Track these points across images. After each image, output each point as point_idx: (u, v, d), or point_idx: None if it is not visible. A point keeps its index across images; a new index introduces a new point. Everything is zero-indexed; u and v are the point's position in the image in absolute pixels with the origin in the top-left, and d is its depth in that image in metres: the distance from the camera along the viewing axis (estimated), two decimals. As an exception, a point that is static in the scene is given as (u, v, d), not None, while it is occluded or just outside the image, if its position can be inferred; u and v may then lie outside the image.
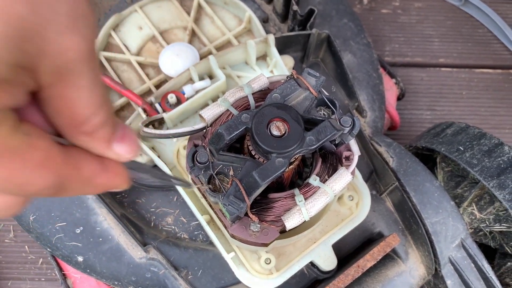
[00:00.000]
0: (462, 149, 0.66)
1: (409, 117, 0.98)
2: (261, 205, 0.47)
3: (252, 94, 0.49)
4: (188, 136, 0.51)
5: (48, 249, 0.63)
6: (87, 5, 0.23)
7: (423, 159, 0.74)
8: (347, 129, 0.46)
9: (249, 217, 0.45)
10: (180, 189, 0.60)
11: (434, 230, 0.63)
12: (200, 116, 0.48)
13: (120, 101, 0.68)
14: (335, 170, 0.49)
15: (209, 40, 0.73)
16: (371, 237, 0.67)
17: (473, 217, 0.66)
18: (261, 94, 0.50)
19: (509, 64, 1.02)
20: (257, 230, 0.46)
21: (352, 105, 0.72)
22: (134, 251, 0.61)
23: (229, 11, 0.75)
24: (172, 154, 0.64)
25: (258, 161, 0.45)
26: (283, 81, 0.50)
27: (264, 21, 0.76)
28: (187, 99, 0.64)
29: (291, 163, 0.47)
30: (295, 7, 0.69)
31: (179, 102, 0.64)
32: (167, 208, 0.65)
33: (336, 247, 0.60)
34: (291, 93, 0.46)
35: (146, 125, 0.61)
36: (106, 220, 0.62)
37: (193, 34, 0.73)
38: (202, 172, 0.45)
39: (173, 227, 0.64)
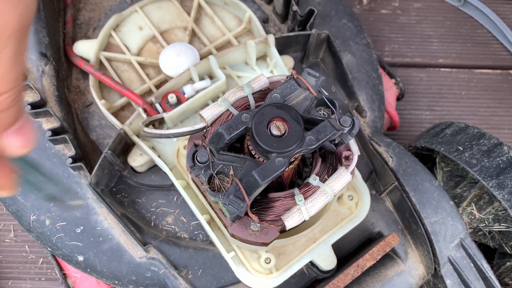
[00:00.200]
0: (461, 149, 0.67)
1: (409, 117, 0.98)
2: (261, 205, 0.47)
3: (252, 94, 0.50)
4: (188, 136, 0.51)
5: (49, 249, 0.63)
6: None
7: (423, 159, 0.74)
8: (346, 129, 0.46)
9: (249, 216, 0.45)
10: (180, 189, 0.60)
11: (434, 230, 0.63)
12: (201, 116, 0.49)
13: (120, 101, 0.68)
14: (334, 169, 0.49)
15: (209, 40, 0.73)
16: (371, 237, 0.67)
17: (472, 217, 0.66)
18: (261, 94, 0.50)
19: (508, 65, 1.02)
20: (257, 230, 0.46)
21: (351, 105, 0.72)
22: (134, 251, 0.61)
23: (229, 11, 0.75)
24: (172, 154, 0.64)
25: (258, 160, 0.46)
26: (283, 81, 0.50)
27: (264, 21, 0.76)
28: (187, 99, 0.64)
29: (291, 163, 0.47)
30: (295, 8, 0.70)
31: (179, 102, 0.64)
32: (167, 208, 0.65)
33: (336, 247, 0.60)
34: (291, 93, 0.47)
35: (147, 125, 0.61)
36: (106, 219, 0.62)
37: (193, 34, 0.74)
38: (202, 171, 0.45)
39: (173, 226, 0.64)
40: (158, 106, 0.64)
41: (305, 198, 0.46)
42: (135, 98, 0.65)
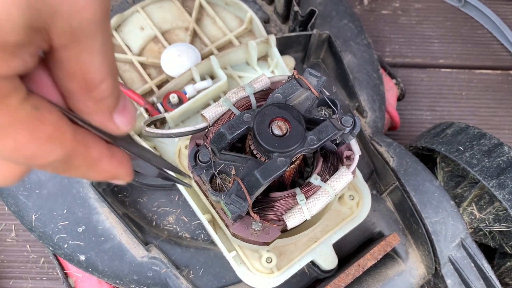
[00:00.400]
0: (462, 149, 0.67)
1: (409, 118, 0.98)
2: (262, 204, 0.47)
3: (254, 94, 0.50)
4: (189, 136, 0.51)
5: (50, 248, 0.63)
6: None
7: (423, 159, 0.74)
8: (348, 129, 0.46)
9: (250, 216, 0.45)
10: (181, 188, 0.60)
11: (434, 230, 0.63)
12: (202, 115, 0.49)
13: (122, 101, 0.68)
14: (336, 169, 0.49)
15: (211, 40, 0.73)
16: (372, 237, 0.67)
17: (472, 217, 0.66)
18: (263, 94, 0.50)
19: (509, 65, 1.02)
20: (259, 229, 0.46)
21: (352, 105, 0.73)
22: (136, 250, 0.61)
23: (231, 11, 0.76)
24: (173, 153, 0.64)
25: (259, 160, 0.46)
26: (284, 81, 0.50)
27: (265, 21, 0.76)
28: (189, 99, 0.65)
29: (292, 163, 0.47)
30: (296, 8, 0.70)
31: (180, 102, 0.65)
32: (168, 208, 0.65)
33: (337, 247, 0.60)
34: (293, 93, 0.47)
35: (148, 125, 0.61)
36: (108, 219, 0.62)
37: (194, 34, 0.74)
38: (204, 171, 0.46)
39: (175, 226, 0.64)
40: (159, 106, 0.65)
41: (306, 198, 0.46)
42: (137, 98, 0.65)
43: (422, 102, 0.99)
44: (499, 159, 0.64)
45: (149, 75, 0.71)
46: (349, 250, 0.66)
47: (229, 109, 0.49)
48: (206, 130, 0.49)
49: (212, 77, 0.69)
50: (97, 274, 0.62)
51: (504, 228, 0.64)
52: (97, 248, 0.62)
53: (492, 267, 0.63)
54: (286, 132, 0.44)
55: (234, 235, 0.53)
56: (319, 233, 0.60)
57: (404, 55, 1.03)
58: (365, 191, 0.61)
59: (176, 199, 0.65)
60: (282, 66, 0.68)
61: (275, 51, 0.68)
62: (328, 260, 0.60)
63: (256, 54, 0.68)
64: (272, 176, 0.43)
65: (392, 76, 0.87)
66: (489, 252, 0.68)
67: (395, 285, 0.64)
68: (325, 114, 0.48)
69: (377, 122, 0.73)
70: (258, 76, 0.51)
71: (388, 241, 0.60)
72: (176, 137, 0.55)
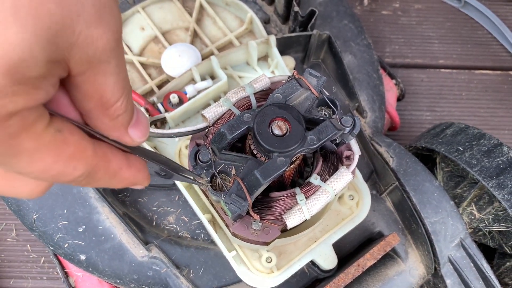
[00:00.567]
0: (461, 149, 0.67)
1: (409, 118, 0.98)
2: (262, 204, 0.47)
3: (254, 94, 0.50)
4: (190, 136, 0.51)
5: (51, 248, 0.63)
6: None
7: (423, 159, 0.74)
8: (348, 129, 0.46)
9: (250, 215, 0.45)
10: (182, 188, 0.61)
11: (434, 230, 0.64)
12: (203, 115, 0.49)
13: (122, 101, 0.68)
14: (336, 169, 0.49)
15: (211, 40, 0.73)
16: (371, 237, 0.67)
17: (472, 217, 0.66)
18: (263, 94, 0.51)
19: (508, 66, 1.03)
20: (259, 229, 0.46)
21: (352, 105, 0.73)
22: (136, 250, 0.62)
23: (231, 12, 0.76)
24: (174, 153, 0.64)
25: (259, 160, 0.46)
26: (284, 81, 0.50)
27: (266, 22, 0.77)
28: (189, 99, 0.65)
29: (292, 162, 0.47)
30: (296, 8, 0.70)
31: (181, 102, 0.65)
32: (169, 207, 0.65)
33: (337, 246, 0.60)
34: (293, 93, 0.47)
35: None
36: (108, 218, 0.63)
37: (195, 34, 0.74)
38: (204, 171, 0.46)
39: (175, 226, 0.64)
40: (160, 106, 0.65)
41: (306, 198, 0.47)
42: (137, 98, 0.65)
43: (422, 103, 0.99)
44: (498, 159, 0.64)
45: (149, 75, 0.71)
46: (348, 250, 0.66)
47: (229, 109, 0.49)
48: (207, 130, 0.49)
49: (213, 77, 0.69)
50: (97, 273, 0.62)
51: (503, 228, 0.64)
52: (97, 247, 0.62)
53: (492, 267, 0.63)
54: (286, 132, 0.44)
55: (234, 234, 0.54)
56: (319, 233, 0.60)
57: (404, 55, 1.03)
58: (365, 191, 0.61)
59: (176, 199, 0.65)
60: (282, 66, 0.68)
61: (275, 51, 0.68)
62: (327, 260, 0.60)
63: (256, 54, 0.68)
64: (272, 176, 0.43)
65: (392, 77, 0.87)
66: (489, 252, 0.69)
67: (395, 285, 0.64)
68: (325, 114, 0.48)
69: (377, 122, 0.74)
70: (258, 76, 0.51)
71: (388, 241, 0.61)
72: (176, 137, 0.55)
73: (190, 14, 0.75)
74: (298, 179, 0.54)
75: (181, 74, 0.66)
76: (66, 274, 0.69)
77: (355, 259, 0.60)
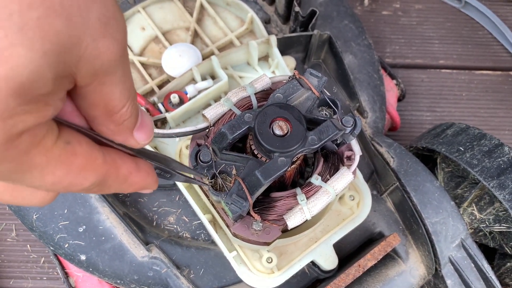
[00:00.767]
0: (462, 149, 0.67)
1: (410, 118, 0.98)
2: (263, 204, 0.47)
3: (255, 94, 0.50)
4: (190, 136, 0.51)
5: (51, 248, 0.63)
6: (116, 9, 0.24)
7: (424, 159, 0.74)
8: (348, 129, 0.46)
9: (251, 216, 0.45)
10: (182, 188, 0.60)
11: (434, 230, 0.63)
12: (203, 115, 0.49)
13: (122, 101, 0.68)
14: (336, 169, 0.49)
15: (212, 40, 0.73)
16: (372, 237, 0.67)
17: (473, 217, 0.66)
18: (264, 94, 0.51)
19: (509, 66, 1.03)
20: (259, 229, 0.46)
21: (353, 105, 0.73)
22: (137, 250, 0.62)
23: (231, 12, 0.76)
24: (174, 153, 0.64)
25: (260, 160, 0.46)
26: (285, 81, 0.50)
27: (266, 22, 0.76)
28: (190, 99, 0.65)
29: (293, 163, 0.47)
30: (297, 9, 0.70)
31: (181, 102, 0.65)
32: (169, 207, 0.65)
33: (337, 247, 0.60)
34: (294, 93, 0.47)
35: (149, 125, 0.61)
36: (108, 219, 0.62)
37: (195, 34, 0.74)
38: (205, 171, 0.46)
39: (175, 226, 0.64)
40: (160, 106, 0.65)
41: (307, 198, 0.46)
42: (138, 98, 0.65)
43: (423, 103, 0.99)
44: (499, 159, 0.64)
45: (150, 75, 0.71)
46: (349, 250, 0.66)
47: (230, 109, 0.49)
48: (207, 130, 0.49)
49: (213, 77, 0.69)
50: (97, 274, 0.62)
51: (504, 229, 0.64)
52: (97, 248, 0.62)
53: (492, 268, 0.63)
54: (287, 132, 0.44)
55: (234, 235, 0.53)
56: (320, 233, 0.60)
57: (404, 55, 1.03)
58: (366, 191, 0.61)
59: (177, 199, 0.65)
60: (283, 67, 0.68)
61: (276, 51, 0.68)
62: (328, 260, 0.60)
63: (257, 54, 0.68)
64: (273, 176, 0.43)
65: (392, 77, 0.87)
66: (489, 253, 0.68)
67: (395, 285, 0.64)
68: (326, 114, 0.48)
69: (378, 123, 0.74)
70: (259, 76, 0.51)
71: (389, 241, 0.61)
72: (177, 137, 0.55)
73: (191, 14, 0.75)
74: (299, 179, 0.54)
75: (182, 74, 0.66)
76: (66, 274, 0.69)
77: (356, 260, 0.60)
